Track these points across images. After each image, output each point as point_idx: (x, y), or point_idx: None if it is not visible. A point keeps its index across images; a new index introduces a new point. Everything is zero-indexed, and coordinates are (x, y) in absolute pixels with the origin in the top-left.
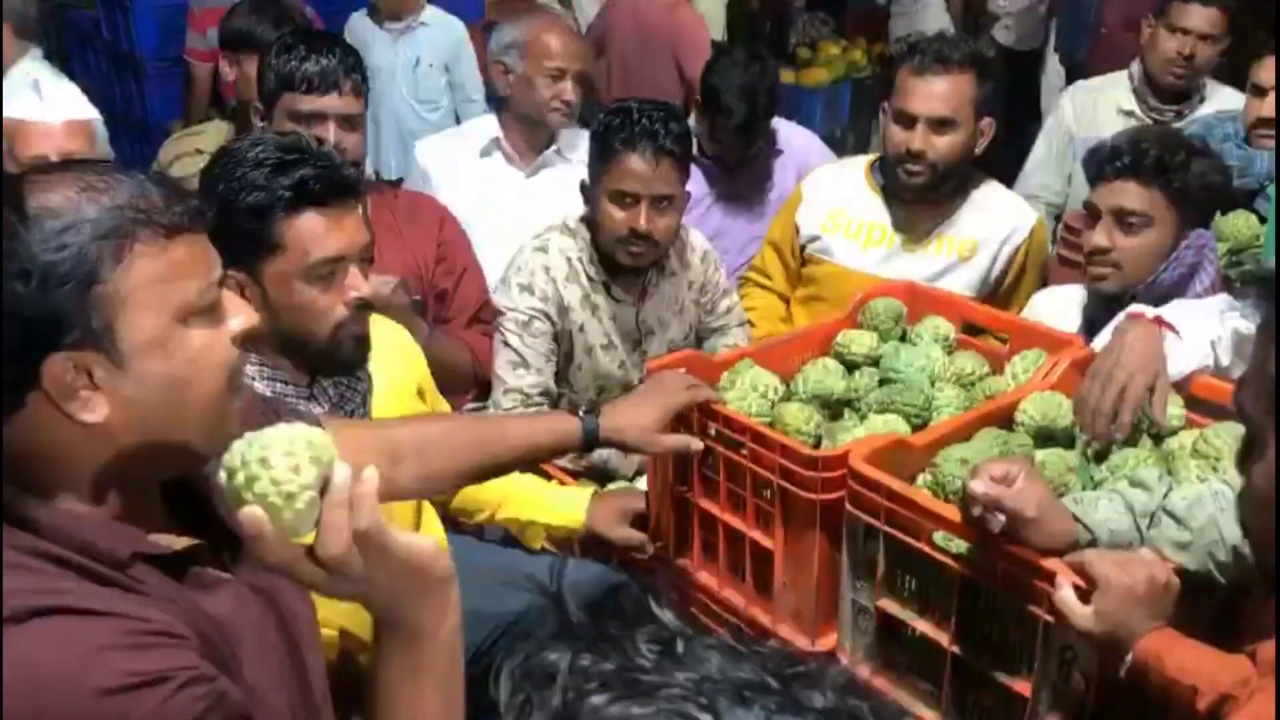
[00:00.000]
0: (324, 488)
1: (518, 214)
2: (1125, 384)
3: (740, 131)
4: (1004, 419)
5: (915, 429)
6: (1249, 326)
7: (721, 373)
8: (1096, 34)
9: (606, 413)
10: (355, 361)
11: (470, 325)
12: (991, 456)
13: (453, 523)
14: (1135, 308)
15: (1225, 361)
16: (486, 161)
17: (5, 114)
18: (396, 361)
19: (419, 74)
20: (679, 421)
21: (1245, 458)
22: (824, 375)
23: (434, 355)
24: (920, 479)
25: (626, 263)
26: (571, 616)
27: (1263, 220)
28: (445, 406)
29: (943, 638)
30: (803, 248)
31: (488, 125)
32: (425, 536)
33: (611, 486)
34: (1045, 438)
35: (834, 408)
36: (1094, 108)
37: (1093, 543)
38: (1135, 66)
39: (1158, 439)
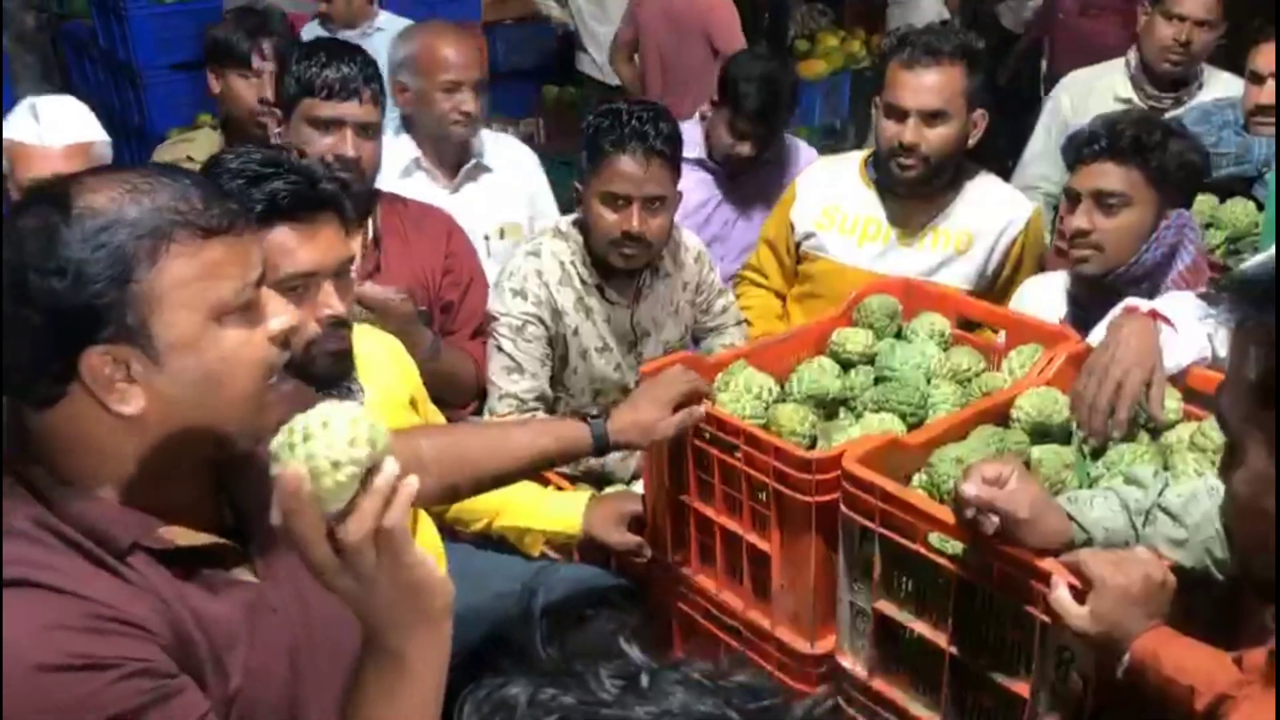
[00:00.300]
0: (368, 473)
1: None
2: (1121, 380)
3: (758, 118)
4: (1000, 416)
5: (911, 427)
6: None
7: (715, 374)
8: (1054, 21)
9: (612, 417)
10: (331, 377)
11: (474, 337)
12: (984, 457)
13: (450, 532)
14: (1130, 301)
15: (1223, 353)
16: (408, 183)
17: (6, 136)
18: (388, 372)
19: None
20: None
21: (1227, 465)
22: (819, 375)
23: (439, 367)
24: (916, 479)
25: (619, 265)
26: (537, 649)
27: (1260, 207)
28: (439, 417)
29: (940, 639)
30: (798, 245)
31: (404, 146)
32: (438, 566)
33: (609, 490)
34: (1041, 434)
35: (829, 407)
36: (1091, 96)
37: (1088, 542)
38: (1132, 54)
39: (1155, 433)
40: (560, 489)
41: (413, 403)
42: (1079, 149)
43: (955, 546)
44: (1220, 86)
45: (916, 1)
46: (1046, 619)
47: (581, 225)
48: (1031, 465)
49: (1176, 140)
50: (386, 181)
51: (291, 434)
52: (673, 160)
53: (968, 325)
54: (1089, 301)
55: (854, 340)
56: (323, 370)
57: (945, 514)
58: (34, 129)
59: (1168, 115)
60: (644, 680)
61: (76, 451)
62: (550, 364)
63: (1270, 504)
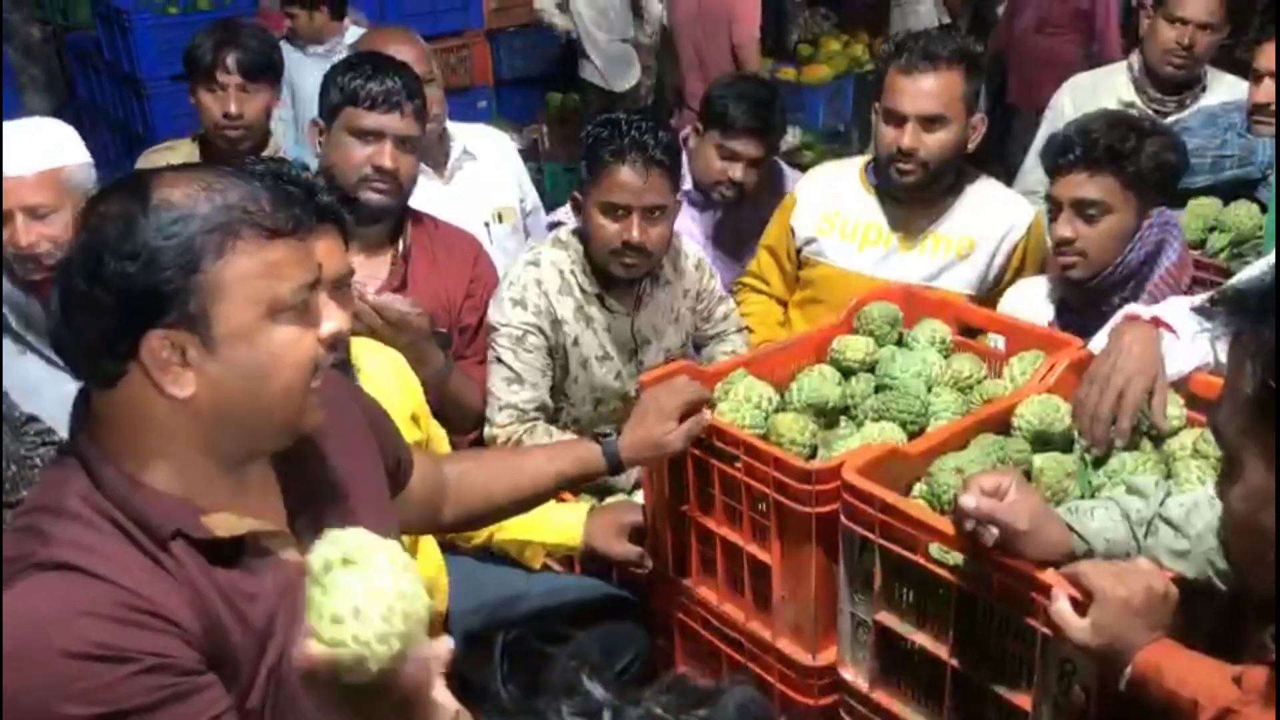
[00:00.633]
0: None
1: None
2: (1123, 388)
3: (751, 135)
4: (1001, 424)
5: (912, 436)
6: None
7: (715, 384)
8: (1012, 38)
9: (622, 437)
10: None
11: (483, 364)
12: (984, 467)
13: (451, 545)
14: (1132, 308)
15: (1225, 359)
16: None
17: None
18: (391, 387)
19: None
20: None
21: (1224, 480)
22: (819, 384)
23: (446, 389)
24: (916, 489)
25: (620, 274)
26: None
27: (1265, 210)
28: (440, 433)
29: (942, 651)
30: (799, 251)
31: None
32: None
33: (609, 501)
34: (1043, 442)
35: (830, 416)
36: (1093, 100)
37: (1089, 553)
38: (1135, 57)
39: (1158, 440)
40: (561, 500)
41: (414, 418)
42: (1054, 158)
43: (956, 558)
44: (1224, 89)
45: (915, 4)
46: (1048, 631)
47: (581, 234)
48: (1033, 474)
49: (1151, 140)
50: None
51: (322, 607)
52: (672, 169)
53: (969, 332)
54: (1078, 303)
55: (854, 348)
56: None
57: (945, 525)
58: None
59: (1171, 118)
60: (606, 717)
61: (130, 430)
62: (551, 374)
63: (1268, 519)
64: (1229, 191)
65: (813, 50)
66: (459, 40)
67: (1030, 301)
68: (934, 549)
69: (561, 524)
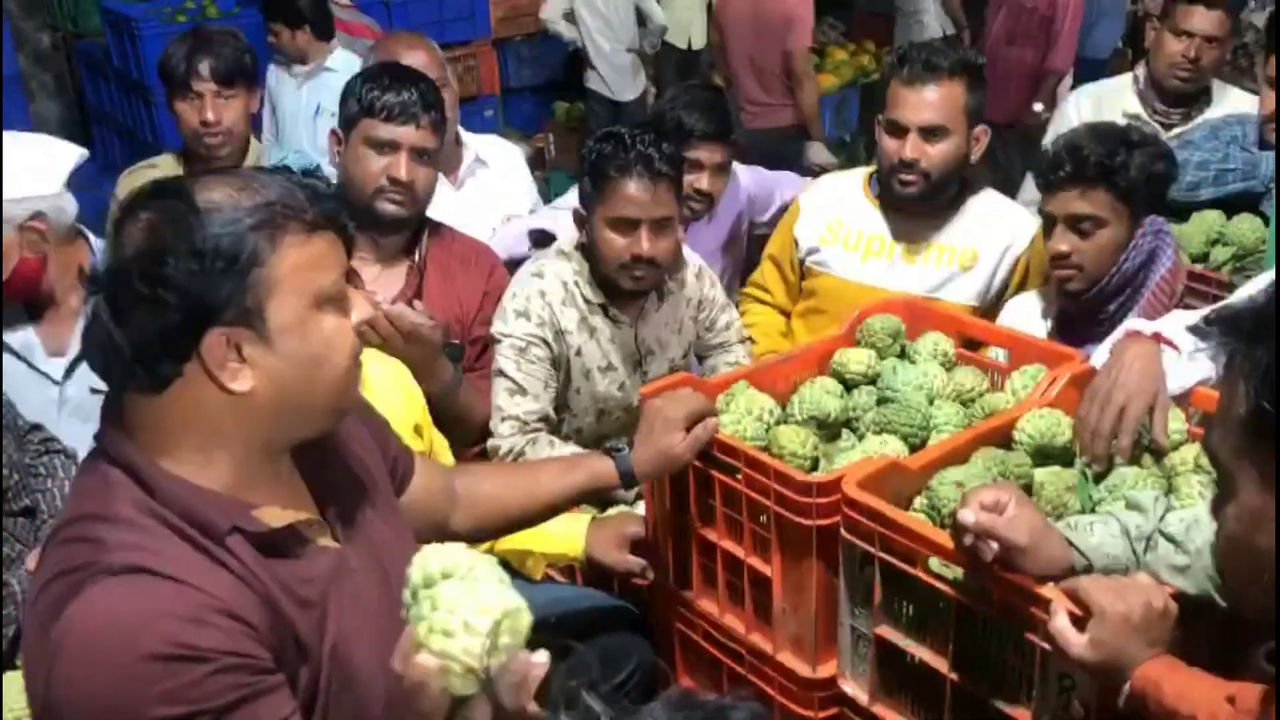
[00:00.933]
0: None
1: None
2: (1124, 405)
3: (709, 138)
4: (1002, 437)
5: (914, 449)
6: None
7: (716, 395)
8: (983, 49)
9: (633, 453)
10: None
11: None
12: (984, 481)
13: None
14: (1133, 324)
15: None
16: None
17: None
18: (395, 398)
19: (318, 123)
20: None
21: (1218, 501)
22: (820, 396)
23: (456, 403)
24: (917, 502)
25: (629, 287)
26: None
27: (1269, 223)
28: (443, 444)
29: (941, 664)
30: (801, 261)
31: None
32: None
33: (611, 511)
34: (1044, 456)
35: (831, 428)
36: (1099, 112)
37: (1089, 568)
38: (1140, 70)
39: (1159, 454)
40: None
41: (417, 429)
42: (1046, 174)
43: (956, 572)
44: (1230, 103)
45: (920, 15)
46: (1047, 646)
47: (585, 248)
48: (1034, 488)
49: (1140, 152)
50: None
51: (427, 622)
52: (677, 180)
53: (971, 345)
54: (1075, 313)
55: (856, 360)
56: None
57: (944, 539)
58: None
59: (1176, 131)
60: None
61: (181, 432)
62: (554, 385)
63: (1261, 540)
64: (1235, 206)
65: (820, 60)
66: (466, 49)
67: (1029, 312)
68: (934, 563)
69: (563, 534)
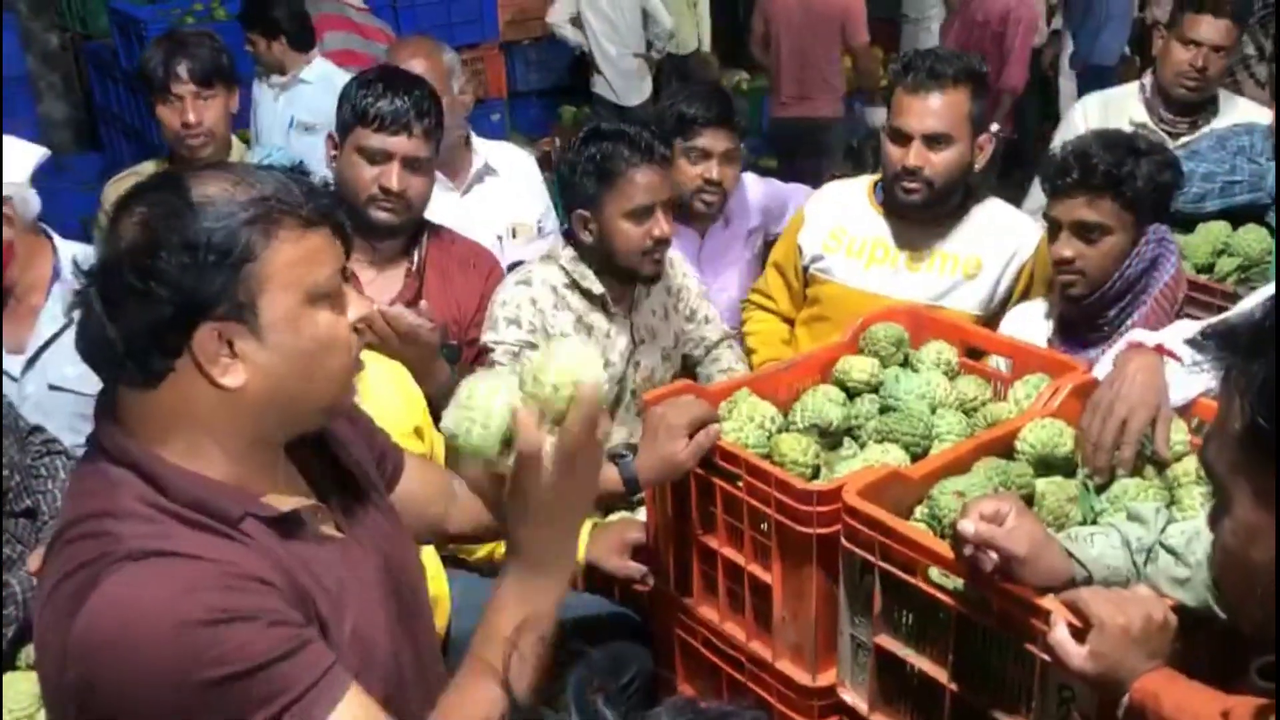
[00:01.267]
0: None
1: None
2: (1126, 417)
3: (718, 126)
4: (1004, 447)
5: (916, 458)
6: None
7: (719, 403)
8: None
9: (637, 459)
10: None
11: None
12: (985, 492)
13: (453, 559)
14: (1136, 336)
15: None
16: None
17: None
18: (394, 400)
19: (291, 135)
20: None
21: (1214, 515)
22: (822, 404)
23: None
24: (918, 511)
25: (650, 272)
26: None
27: (1274, 235)
28: (442, 445)
29: (941, 674)
30: (805, 268)
31: None
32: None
33: (612, 517)
34: (1045, 467)
35: (833, 436)
36: (1106, 119)
37: (1089, 580)
38: (1147, 78)
39: (1161, 466)
40: None
41: (418, 431)
42: (1053, 180)
43: (956, 582)
44: (1237, 112)
45: (927, 22)
46: (1046, 657)
47: (585, 249)
48: (1035, 498)
49: (1146, 161)
50: None
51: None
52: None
53: (975, 354)
54: (1076, 319)
55: (859, 368)
56: None
57: (944, 549)
58: None
59: (1183, 140)
60: None
61: (177, 426)
62: None
63: (1257, 555)
64: (1241, 217)
65: None
66: (474, 53)
67: (1029, 318)
68: (934, 573)
69: None
